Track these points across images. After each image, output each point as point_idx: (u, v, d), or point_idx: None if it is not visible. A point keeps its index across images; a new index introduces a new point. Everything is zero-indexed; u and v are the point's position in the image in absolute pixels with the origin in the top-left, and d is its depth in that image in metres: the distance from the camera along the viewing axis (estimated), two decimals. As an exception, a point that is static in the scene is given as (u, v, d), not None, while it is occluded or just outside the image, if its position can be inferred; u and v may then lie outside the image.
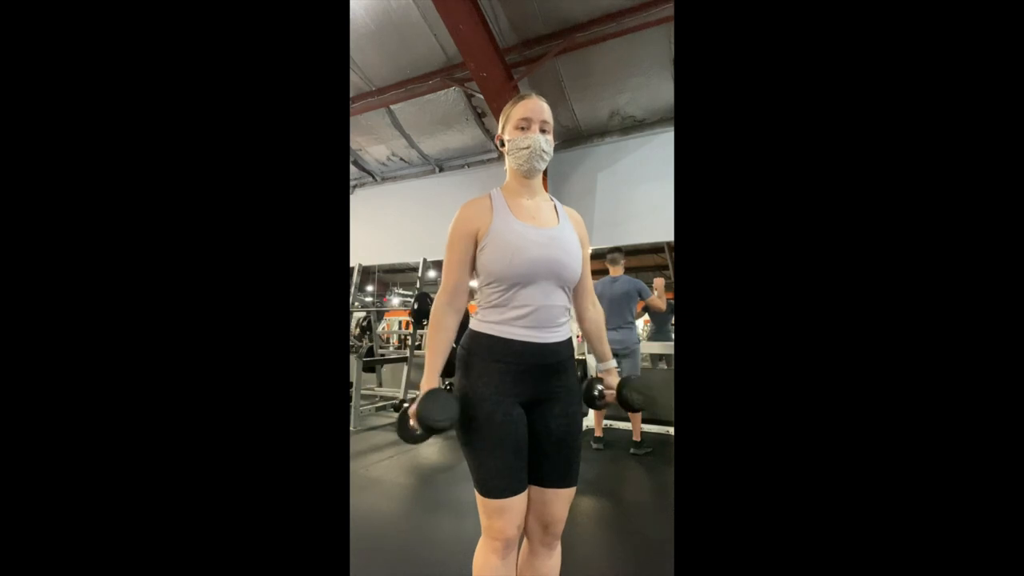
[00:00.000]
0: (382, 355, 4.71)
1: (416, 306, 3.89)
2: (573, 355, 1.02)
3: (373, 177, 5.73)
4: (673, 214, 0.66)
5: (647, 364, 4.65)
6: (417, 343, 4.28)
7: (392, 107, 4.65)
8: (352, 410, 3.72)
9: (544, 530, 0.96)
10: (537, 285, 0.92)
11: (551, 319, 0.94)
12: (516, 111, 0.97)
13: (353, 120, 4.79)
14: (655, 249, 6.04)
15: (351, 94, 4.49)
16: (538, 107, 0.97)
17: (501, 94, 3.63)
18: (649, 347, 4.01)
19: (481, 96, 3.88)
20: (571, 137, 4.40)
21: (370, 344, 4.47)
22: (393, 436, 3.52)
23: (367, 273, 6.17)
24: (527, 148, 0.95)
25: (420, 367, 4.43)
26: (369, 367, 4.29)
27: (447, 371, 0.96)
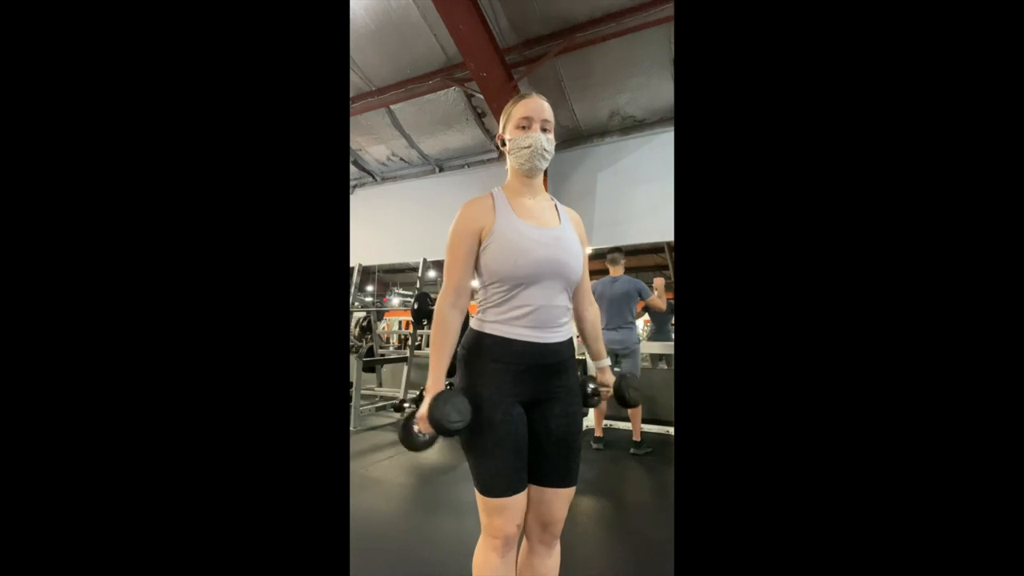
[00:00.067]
0: (382, 355, 4.70)
1: (416, 306, 3.89)
2: (574, 355, 1.02)
3: (373, 177, 5.73)
4: (673, 214, 0.66)
5: (647, 364, 4.66)
6: (417, 343, 4.28)
7: (392, 107, 4.65)
8: (352, 410, 3.72)
9: (544, 529, 0.96)
10: (540, 285, 0.92)
11: (552, 319, 0.94)
12: (517, 110, 0.97)
13: (353, 120, 4.79)
14: (655, 249, 6.05)
15: (351, 94, 4.49)
16: (539, 106, 0.96)
17: (501, 94, 3.63)
18: (649, 347, 4.01)
19: (481, 96, 3.88)
20: (571, 137, 4.39)
21: (370, 344, 4.47)
22: (393, 436, 3.51)
23: (367, 273, 6.17)
24: (528, 147, 0.95)
25: (420, 367, 4.41)
26: (369, 367, 4.29)
27: (449, 371, 0.96)
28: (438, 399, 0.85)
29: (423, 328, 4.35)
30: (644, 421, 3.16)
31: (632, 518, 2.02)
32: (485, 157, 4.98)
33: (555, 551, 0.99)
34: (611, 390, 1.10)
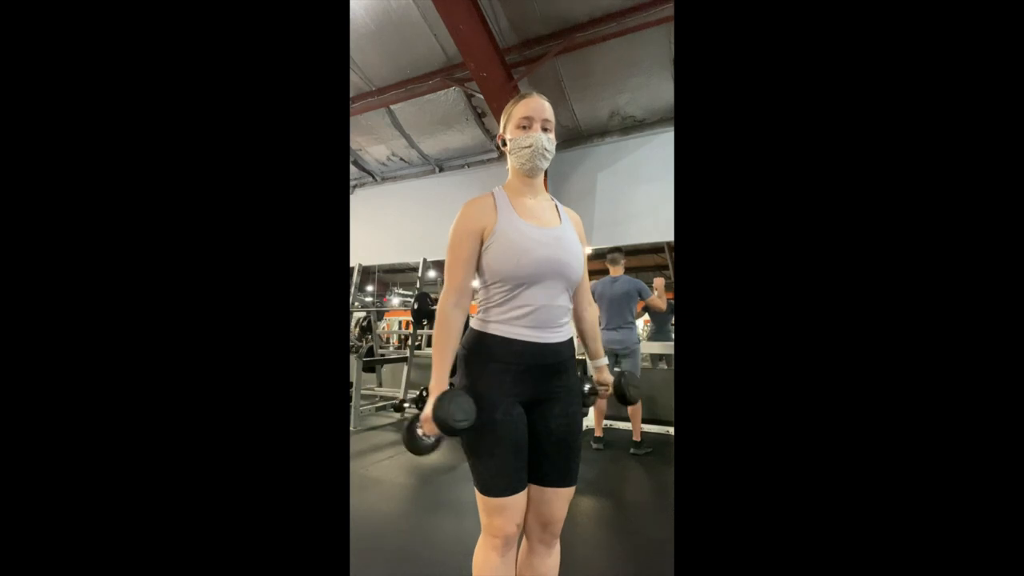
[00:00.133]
0: (382, 355, 4.70)
1: (416, 306, 3.89)
2: (574, 355, 1.02)
3: (373, 177, 5.73)
4: (673, 214, 0.66)
5: (647, 364, 4.66)
6: (417, 343, 4.28)
7: (392, 107, 4.64)
8: (352, 410, 3.72)
9: (543, 529, 0.96)
10: (542, 285, 0.92)
11: (553, 319, 0.94)
12: (518, 110, 0.97)
13: (353, 120, 4.79)
14: (655, 249, 6.05)
15: (351, 94, 4.49)
16: (540, 106, 0.96)
17: (501, 94, 3.62)
18: (649, 347, 4.01)
19: (481, 96, 3.88)
20: (571, 137, 4.39)
21: (370, 344, 4.47)
22: (393, 436, 3.51)
23: (367, 273, 6.17)
24: (529, 147, 0.95)
25: (420, 367, 4.41)
26: (369, 367, 4.29)
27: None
28: (442, 399, 0.83)
29: (423, 328, 4.35)
30: (644, 421, 3.16)
31: (632, 518, 2.02)
32: (485, 157, 4.98)
33: (555, 550, 0.99)
34: (610, 388, 1.11)
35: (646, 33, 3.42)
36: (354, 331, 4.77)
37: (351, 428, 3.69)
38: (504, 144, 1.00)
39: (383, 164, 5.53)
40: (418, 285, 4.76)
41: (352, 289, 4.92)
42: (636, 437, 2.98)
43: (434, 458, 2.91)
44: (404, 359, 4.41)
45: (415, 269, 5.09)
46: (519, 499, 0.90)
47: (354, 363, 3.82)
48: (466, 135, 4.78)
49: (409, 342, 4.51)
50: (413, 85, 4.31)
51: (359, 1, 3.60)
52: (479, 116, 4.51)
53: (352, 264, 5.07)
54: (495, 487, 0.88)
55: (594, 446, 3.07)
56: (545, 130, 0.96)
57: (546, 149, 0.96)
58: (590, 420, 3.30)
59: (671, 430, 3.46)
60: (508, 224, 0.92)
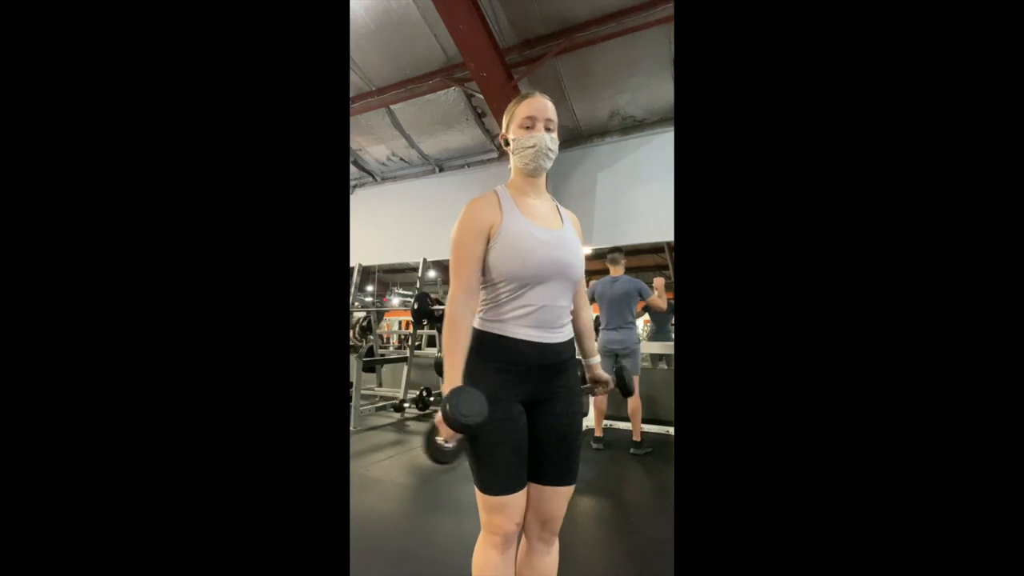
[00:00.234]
0: (382, 355, 4.70)
1: (416, 306, 3.89)
2: (574, 355, 1.03)
3: (373, 177, 5.73)
4: (673, 214, 0.66)
5: (647, 364, 4.65)
6: (417, 343, 4.28)
7: (392, 107, 4.65)
8: (352, 410, 3.72)
9: (543, 527, 0.97)
10: (545, 285, 0.92)
11: (555, 319, 0.94)
12: (520, 110, 0.97)
13: (353, 120, 4.79)
14: (655, 249, 6.05)
15: (351, 94, 4.49)
16: (543, 105, 0.96)
17: (501, 94, 3.63)
18: (649, 347, 4.01)
19: (481, 96, 3.88)
20: (571, 137, 4.40)
21: (370, 344, 4.47)
22: (393, 436, 3.52)
23: (367, 273, 6.17)
24: (533, 147, 0.95)
25: (420, 367, 4.41)
26: (369, 367, 4.29)
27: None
28: (450, 396, 0.81)
29: (423, 328, 4.35)
30: (644, 421, 3.16)
31: (632, 518, 2.02)
32: (485, 157, 4.98)
33: (554, 548, 0.99)
34: (610, 384, 1.13)
35: (646, 33, 3.42)
36: (354, 331, 4.77)
37: (351, 428, 3.69)
38: (507, 144, 1.00)
39: (383, 164, 5.53)
40: (418, 285, 4.76)
41: (352, 289, 4.92)
42: (636, 437, 2.98)
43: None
44: (404, 359, 4.41)
45: (415, 269, 5.09)
46: (519, 498, 0.91)
47: (354, 363, 3.82)
48: (466, 135, 4.78)
49: (409, 342, 4.51)
50: (413, 85, 4.31)
51: (359, 1, 3.60)
52: (479, 116, 4.52)
53: (352, 264, 5.07)
54: (495, 486, 0.89)
55: (594, 446, 3.07)
56: (548, 130, 0.96)
57: (549, 149, 0.96)
58: (590, 420, 3.30)
59: (671, 430, 3.46)
60: (513, 224, 0.92)
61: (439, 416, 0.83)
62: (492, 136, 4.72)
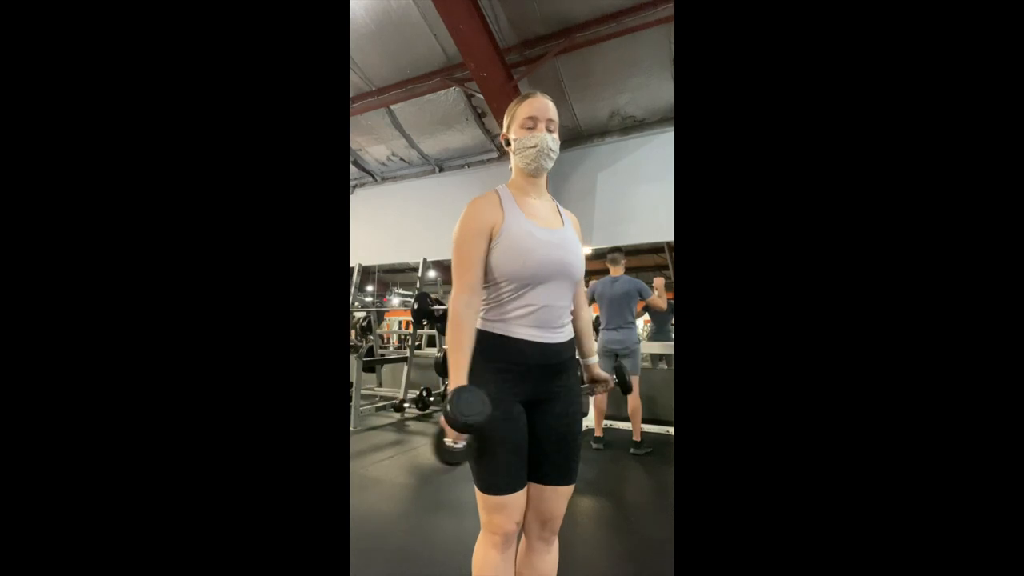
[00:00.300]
0: (382, 355, 4.71)
1: (416, 306, 3.89)
2: (574, 355, 1.03)
3: (373, 177, 5.73)
4: (673, 214, 0.66)
5: (647, 364, 4.66)
6: (417, 343, 4.28)
7: (392, 107, 4.65)
8: (352, 410, 3.72)
9: (543, 526, 0.97)
10: (546, 285, 0.92)
11: (555, 319, 0.94)
12: (522, 110, 0.97)
13: (353, 120, 4.79)
14: (655, 249, 6.05)
15: (351, 94, 4.49)
16: (544, 106, 0.97)
17: (501, 94, 3.63)
18: (649, 347, 4.01)
19: (481, 96, 3.88)
20: (571, 137, 4.40)
21: (370, 344, 4.47)
22: (393, 436, 3.52)
23: (367, 273, 6.17)
24: (534, 147, 0.95)
25: (420, 367, 4.40)
26: (369, 367, 4.29)
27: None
28: (453, 396, 0.81)
29: (423, 328, 4.34)
30: (644, 421, 3.16)
31: (632, 518, 2.02)
32: (485, 157, 4.98)
33: (553, 548, 0.99)
34: (610, 383, 1.13)
35: (646, 33, 3.43)
36: (354, 330, 4.77)
37: (351, 428, 3.69)
38: (508, 144, 1.00)
39: (383, 164, 5.53)
40: (418, 285, 4.76)
41: (352, 289, 4.92)
42: (636, 437, 2.98)
43: (433, 458, 2.91)
44: (404, 359, 4.41)
45: (415, 269, 5.09)
46: (519, 497, 0.91)
47: (354, 363, 3.82)
48: (466, 135, 4.78)
49: (409, 342, 4.51)
50: (413, 85, 4.31)
51: (359, 1, 3.60)
52: (479, 116, 4.52)
53: (352, 264, 5.07)
54: (495, 485, 0.89)
55: (594, 446, 3.07)
56: (550, 130, 0.96)
57: (551, 149, 0.96)
58: (590, 420, 3.30)
59: (671, 430, 3.46)
60: (515, 223, 0.92)
61: (443, 418, 0.83)
62: (492, 136, 4.72)
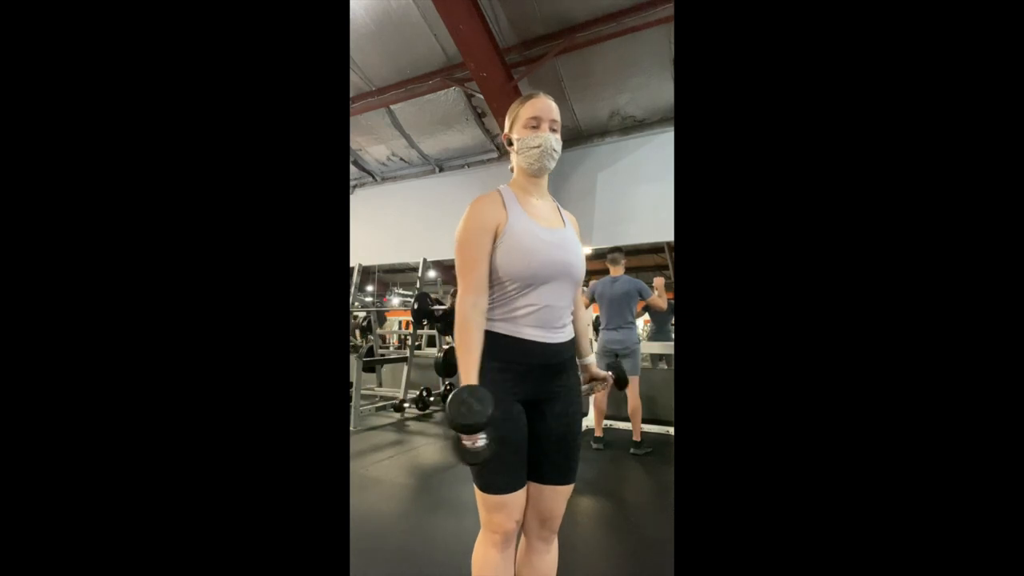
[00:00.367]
0: (382, 355, 4.71)
1: (416, 306, 3.89)
2: (574, 355, 1.03)
3: (373, 177, 5.73)
4: (673, 214, 0.66)
5: (647, 364, 4.66)
6: (417, 343, 4.28)
7: (392, 107, 4.65)
8: (352, 410, 3.72)
9: (542, 525, 0.97)
10: (549, 285, 0.92)
11: (556, 319, 0.94)
12: (525, 110, 0.97)
13: (353, 120, 4.79)
14: (655, 249, 6.05)
15: (351, 94, 4.49)
16: (547, 106, 0.97)
17: (501, 94, 3.63)
18: (649, 347, 4.01)
19: (481, 96, 3.88)
20: (571, 137, 4.40)
21: (370, 344, 4.48)
22: (393, 436, 3.52)
23: (367, 273, 6.17)
24: (538, 147, 0.95)
25: (420, 367, 4.39)
26: (369, 367, 4.30)
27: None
28: (454, 396, 0.79)
29: (423, 328, 4.34)
30: (644, 421, 3.16)
31: (632, 518, 2.02)
32: (485, 157, 4.98)
33: (553, 547, 1.00)
34: (608, 381, 1.14)
35: (646, 33, 3.43)
36: (354, 331, 4.77)
37: (351, 428, 3.69)
38: (510, 144, 1.00)
39: (383, 164, 5.53)
40: (418, 285, 4.76)
41: (352, 289, 4.92)
42: (636, 437, 2.98)
43: (434, 458, 2.92)
44: (404, 359, 4.41)
45: (415, 269, 5.09)
46: (519, 496, 0.91)
47: (354, 363, 3.82)
48: (466, 135, 4.78)
49: (409, 342, 4.51)
50: (413, 85, 4.31)
51: (359, 1, 3.61)
52: (479, 116, 4.52)
53: (352, 264, 5.07)
54: (495, 484, 0.89)
55: (594, 446, 3.07)
56: (553, 131, 0.96)
57: (554, 149, 0.96)
58: (590, 420, 3.30)
59: (671, 430, 3.46)
60: (518, 223, 0.92)
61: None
62: (492, 136, 4.72)
